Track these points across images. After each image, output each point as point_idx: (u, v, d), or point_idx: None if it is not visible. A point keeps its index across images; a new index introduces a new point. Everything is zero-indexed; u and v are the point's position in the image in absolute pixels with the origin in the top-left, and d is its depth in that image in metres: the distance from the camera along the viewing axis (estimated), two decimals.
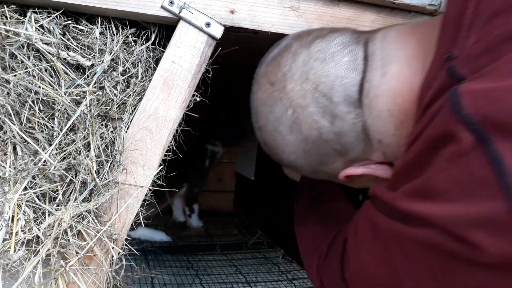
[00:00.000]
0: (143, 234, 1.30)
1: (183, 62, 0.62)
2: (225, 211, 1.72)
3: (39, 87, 0.57)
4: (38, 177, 0.56)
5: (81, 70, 0.61)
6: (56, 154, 0.57)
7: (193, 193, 1.49)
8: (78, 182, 0.57)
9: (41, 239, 0.54)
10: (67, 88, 0.59)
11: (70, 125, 0.57)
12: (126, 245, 0.62)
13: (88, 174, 0.57)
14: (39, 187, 0.56)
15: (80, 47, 0.61)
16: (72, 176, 0.57)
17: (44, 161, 0.56)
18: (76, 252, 0.57)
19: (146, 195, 0.63)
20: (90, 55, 0.61)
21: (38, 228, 0.54)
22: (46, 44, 0.58)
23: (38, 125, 0.57)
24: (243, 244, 1.35)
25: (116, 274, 0.64)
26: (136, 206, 0.62)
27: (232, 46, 0.68)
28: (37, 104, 0.57)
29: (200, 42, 0.62)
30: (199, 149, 1.47)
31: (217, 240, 1.36)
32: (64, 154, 0.57)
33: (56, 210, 0.56)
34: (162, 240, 1.31)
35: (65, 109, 0.58)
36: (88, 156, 0.58)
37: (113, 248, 0.60)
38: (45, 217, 0.55)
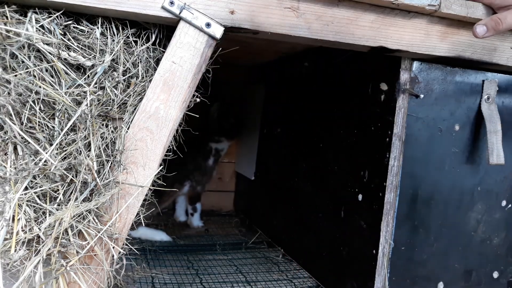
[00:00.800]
0: (143, 234, 1.31)
1: (184, 63, 0.62)
2: (225, 211, 1.72)
3: (40, 87, 0.57)
4: (38, 177, 0.56)
5: (82, 70, 0.61)
6: (56, 154, 0.57)
7: (196, 192, 1.49)
8: (79, 181, 0.57)
9: (41, 238, 0.54)
10: (67, 88, 0.59)
11: (71, 125, 0.58)
12: (126, 244, 0.62)
13: (89, 174, 0.58)
14: (40, 187, 0.56)
15: (81, 47, 0.61)
16: (72, 176, 0.57)
17: (45, 161, 0.56)
18: (77, 252, 0.57)
19: (146, 194, 0.63)
20: (90, 55, 0.61)
21: (38, 228, 0.54)
22: (46, 44, 0.58)
23: (38, 125, 0.57)
24: (243, 244, 1.35)
25: (117, 274, 0.65)
26: (136, 206, 0.62)
27: (232, 46, 0.69)
28: (37, 104, 0.57)
29: (200, 42, 0.62)
30: (201, 147, 1.46)
31: (217, 240, 1.37)
32: (65, 154, 0.57)
33: (57, 210, 0.56)
34: (163, 239, 1.31)
35: (65, 109, 0.58)
36: (88, 156, 0.58)
37: (113, 247, 0.60)
38: (45, 217, 0.55)
